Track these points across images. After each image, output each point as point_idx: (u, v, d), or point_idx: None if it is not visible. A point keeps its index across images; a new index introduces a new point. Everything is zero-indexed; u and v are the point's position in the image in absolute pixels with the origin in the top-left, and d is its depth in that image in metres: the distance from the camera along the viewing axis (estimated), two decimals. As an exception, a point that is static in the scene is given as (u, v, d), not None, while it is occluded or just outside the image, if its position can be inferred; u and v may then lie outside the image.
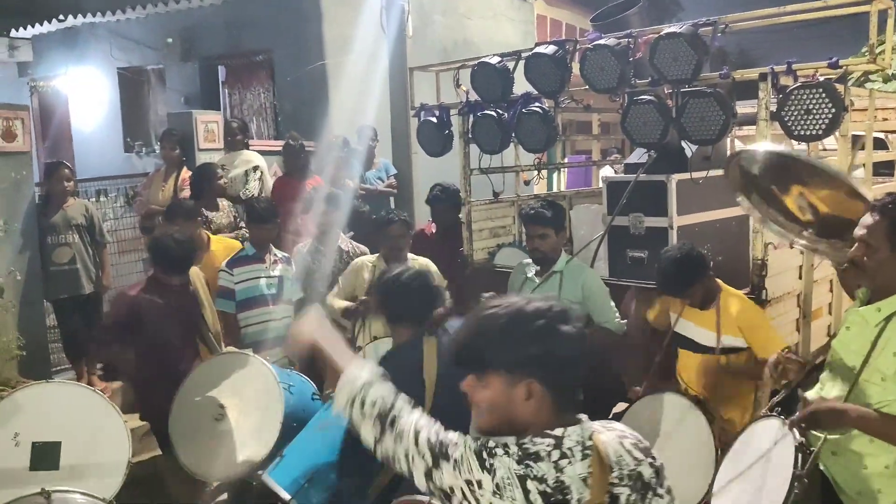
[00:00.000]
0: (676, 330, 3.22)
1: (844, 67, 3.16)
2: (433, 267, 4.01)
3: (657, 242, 3.90)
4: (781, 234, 2.88)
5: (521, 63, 4.14)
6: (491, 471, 1.37)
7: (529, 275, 3.69)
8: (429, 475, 1.46)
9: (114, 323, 3.68)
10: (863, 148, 4.25)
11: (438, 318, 3.10)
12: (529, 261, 3.76)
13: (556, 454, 1.39)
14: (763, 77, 3.30)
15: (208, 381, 3.45)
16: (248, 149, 6.05)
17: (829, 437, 2.20)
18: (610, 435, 1.47)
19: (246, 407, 3.30)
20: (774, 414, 2.39)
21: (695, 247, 3.20)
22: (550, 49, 3.93)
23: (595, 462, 1.39)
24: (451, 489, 1.42)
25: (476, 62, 4.29)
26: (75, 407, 3.09)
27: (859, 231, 2.16)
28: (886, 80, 7.34)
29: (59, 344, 5.35)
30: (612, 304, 3.52)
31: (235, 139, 5.98)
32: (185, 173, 5.69)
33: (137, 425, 4.66)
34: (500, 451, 1.39)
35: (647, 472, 1.45)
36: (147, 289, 3.70)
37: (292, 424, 3.14)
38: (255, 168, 5.85)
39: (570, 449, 1.40)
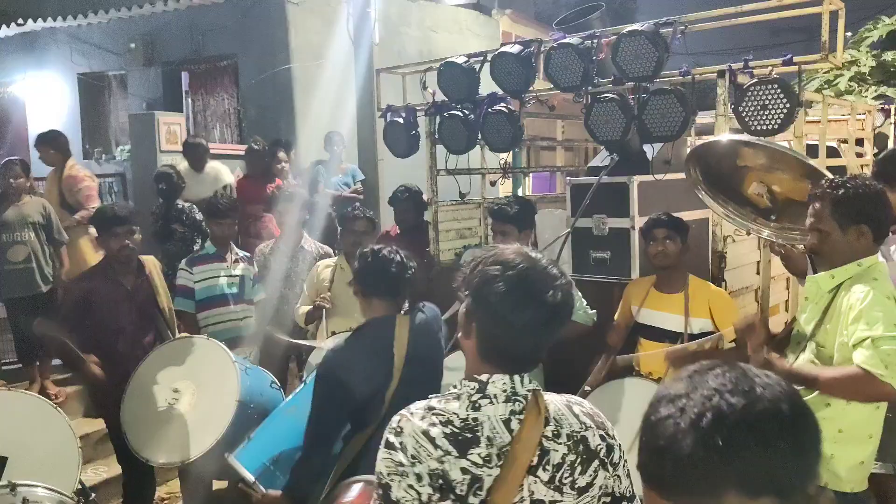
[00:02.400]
0: (639, 320, 3.24)
1: (799, 65, 3.26)
2: None
3: (620, 243, 3.97)
4: (738, 224, 2.96)
5: (487, 65, 4.19)
6: (403, 448, 1.36)
7: None
8: None
9: (65, 309, 3.57)
10: (817, 156, 4.39)
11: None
12: None
13: (476, 396, 1.37)
14: (721, 74, 3.39)
15: (162, 366, 3.40)
16: (210, 163, 5.98)
17: None
18: (558, 398, 1.45)
19: (201, 389, 3.27)
20: None
21: None
22: (516, 49, 3.99)
23: (530, 410, 1.36)
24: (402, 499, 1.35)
25: (442, 62, 4.32)
26: (22, 416, 3.00)
27: (808, 221, 2.27)
28: (846, 91, 7.65)
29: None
30: (580, 294, 3.54)
31: (202, 157, 5.91)
32: (70, 171, 5.55)
33: (95, 429, 4.57)
34: (403, 421, 1.39)
35: (595, 441, 1.40)
36: (99, 273, 3.63)
37: (249, 405, 3.11)
38: (225, 187, 5.81)
39: (494, 395, 1.37)
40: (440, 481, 1.32)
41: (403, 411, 1.42)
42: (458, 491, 1.31)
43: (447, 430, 1.34)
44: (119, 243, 3.50)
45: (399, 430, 1.38)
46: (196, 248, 4.99)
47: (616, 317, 3.50)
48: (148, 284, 3.71)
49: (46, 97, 9.51)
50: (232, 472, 2.81)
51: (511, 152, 6.10)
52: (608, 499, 1.42)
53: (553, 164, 6.68)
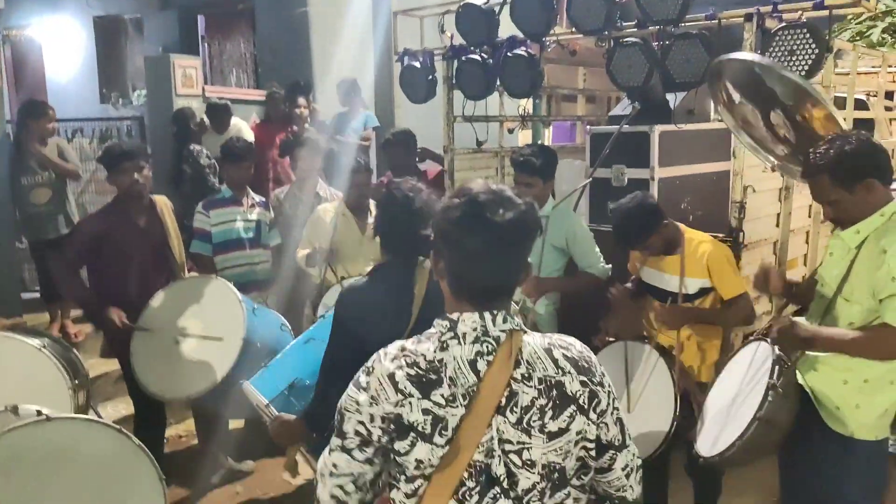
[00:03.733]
0: (643, 279, 3.21)
1: (830, 8, 3.13)
2: None
3: (639, 194, 3.92)
4: (755, 149, 2.89)
5: (507, 7, 4.08)
6: (367, 388, 1.38)
7: None
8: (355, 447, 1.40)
9: (78, 247, 3.61)
10: (844, 107, 4.28)
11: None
12: None
13: (448, 335, 1.38)
14: (749, 17, 3.28)
15: (171, 305, 3.45)
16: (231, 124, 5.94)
17: (809, 353, 2.25)
18: (539, 339, 1.42)
19: (208, 327, 3.31)
20: (762, 337, 2.44)
21: (646, 196, 3.09)
22: (537, -11, 3.87)
23: (501, 352, 1.35)
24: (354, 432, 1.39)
25: (461, 3, 4.21)
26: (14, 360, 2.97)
27: (816, 197, 2.28)
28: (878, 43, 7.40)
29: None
30: (597, 249, 3.51)
31: (223, 119, 5.87)
32: None
33: (112, 368, 4.67)
34: (376, 362, 1.41)
35: (573, 387, 1.38)
36: (111, 211, 3.65)
37: (256, 344, 3.15)
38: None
39: (464, 334, 1.37)
40: (393, 425, 1.35)
41: (381, 350, 1.44)
42: (420, 431, 1.34)
43: (412, 372, 1.36)
44: (129, 178, 3.52)
45: (370, 369, 1.41)
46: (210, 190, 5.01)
47: (630, 266, 3.47)
48: (160, 223, 3.73)
49: (63, 42, 9.47)
50: (246, 410, 2.86)
51: (532, 101, 6.02)
52: (590, 444, 1.41)
53: (573, 113, 6.55)
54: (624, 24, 3.75)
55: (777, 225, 3.84)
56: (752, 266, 3.52)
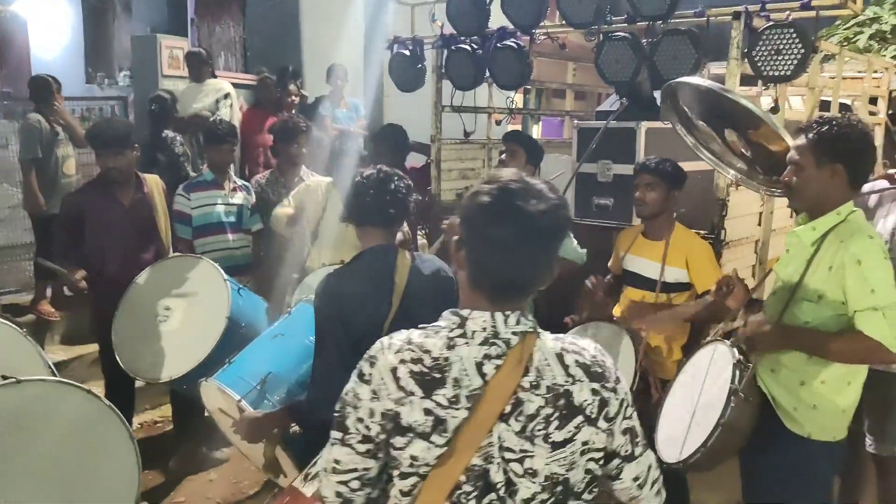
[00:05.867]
0: (624, 266, 3.21)
1: (816, 10, 3.15)
2: None
3: (623, 190, 3.92)
4: (715, 164, 2.91)
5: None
6: (369, 381, 1.33)
7: None
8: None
9: (61, 221, 3.57)
10: (829, 110, 4.31)
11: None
12: None
13: (456, 332, 1.32)
14: (737, 15, 3.29)
15: (155, 284, 3.41)
16: (214, 78, 5.90)
17: (766, 354, 2.25)
18: (552, 343, 1.36)
19: (192, 307, 3.27)
20: (719, 339, 2.44)
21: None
22: (528, -19, 3.87)
23: (511, 357, 1.29)
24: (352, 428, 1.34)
25: (453, -8, 4.20)
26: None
27: (790, 154, 2.23)
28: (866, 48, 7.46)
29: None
30: (571, 234, 3.52)
31: (202, 68, 5.81)
32: None
33: (88, 351, 4.62)
34: (379, 353, 1.35)
35: (582, 396, 1.31)
36: (95, 187, 3.61)
37: (240, 325, 3.11)
38: (226, 95, 5.72)
39: (473, 332, 1.31)
40: (391, 423, 1.30)
41: (385, 339, 1.38)
42: (419, 430, 1.29)
43: (415, 369, 1.30)
44: (115, 162, 3.49)
45: (373, 360, 1.35)
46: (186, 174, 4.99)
47: (609, 264, 3.49)
48: (147, 203, 3.69)
49: (50, 19, 9.32)
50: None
51: (522, 96, 6.01)
52: (598, 454, 1.35)
53: (563, 108, 6.55)
54: (614, 18, 3.75)
55: (759, 224, 3.87)
56: (733, 263, 3.54)
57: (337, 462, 1.36)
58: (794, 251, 2.27)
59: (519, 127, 7.62)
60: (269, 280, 4.21)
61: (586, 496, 1.36)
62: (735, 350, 2.29)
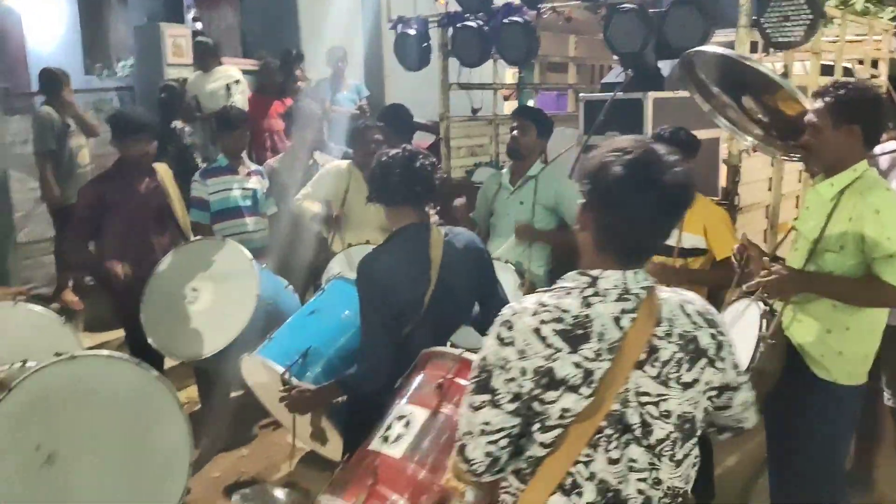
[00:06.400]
0: None
1: (824, -26, 3.20)
2: None
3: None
4: (732, 130, 2.98)
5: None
6: (512, 343, 1.41)
7: (504, 182, 3.74)
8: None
9: (80, 212, 3.62)
10: (832, 74, 4.36)
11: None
12: (503, 171, 3.82)
13: (589, 291, 1.41)
14: (745, -18, 3.34)
15: (180, 267, 3.46)
16: (221, 65, 5.92)
17: (794, 302, 2.36)
18: (672, 296, 1.48)
19: (220, 287, 3.34)
20: (744, 296, 2.54)
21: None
22: (534, -44, 3.90)
23: (643, 310, 1.40)
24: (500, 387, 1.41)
25: (457, -31, 4.23)
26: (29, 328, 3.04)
27: (808, 117, 2.34)
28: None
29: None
30: None
31: (209, 57, 5.83)
32: None
33: (113, 338, 4.69)
34: (515, 317, 1.43)
35: (706, 340, 1.45)
36: (111, 176, 3.66)
37: (268, 302, 3.18)
38: (237, 81, 5.75)
39: (606, 290, 1.41)
40: (545, 378, 1.38)
41: (515, 305, 1.46)
42: (569, 384, 1.38)
43: (558, 328, 1.39)
44: (142, 149, 3.58)
45: (510, 324, 1.43)
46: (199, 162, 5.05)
47: None
48: (161, 190, 3.74)
49: (45, 11, 9.26)
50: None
51: (522, 68, 6.03)
52: (714, 392, 1.48)
53: (562, 82, 6.59)
54: (620, -10, 3.78)
55: (769, 189, 3.94)
56: (745, 228, 3.61)
57: (486, 423, 1.43)
58: (814, 207, 2.38)
59: (516, 102, 7.66)
60: (285, 261, 4.30)
61: (699, 431, 1.49)
62: (760, 303, 2.40)
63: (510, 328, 1.42)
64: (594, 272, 1.43)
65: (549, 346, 1.38)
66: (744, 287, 2.59)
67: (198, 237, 3.83)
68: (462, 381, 1.91)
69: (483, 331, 2.53)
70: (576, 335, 1.39)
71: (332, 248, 3.98)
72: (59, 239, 5.03)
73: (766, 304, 2.41)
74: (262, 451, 4.02)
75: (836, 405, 2.37)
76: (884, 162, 3.06)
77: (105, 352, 2.57)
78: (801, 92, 3.52)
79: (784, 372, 2.34)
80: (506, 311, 1.46)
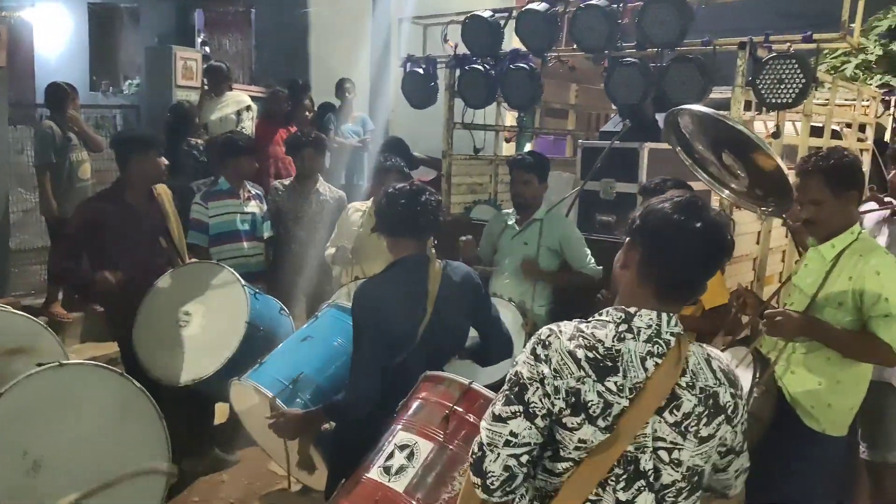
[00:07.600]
0: None
1: (817, 42, 3.36)
2: None
3: (626, 208, 4.10)
4: (711, 185, 3.08)
5: (512, 21, 4.26)
6: (547, 361, 1.44)
7: (510, 222, 3.83)
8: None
9: (74, 229, 3.61)
10: (821, 136, 4.53)
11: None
12: (509, 210, 3.91)
13: (623, 326, 1.46)
14: (742, 46, 3.49)
15: (173, 290, 3.47)
16: (231, 91, 6.04)
17: (786, 354, 2.47)
18: (699, 349, 1.51)
19: (211, 312, 3.33)
20: (737, 344, 2.63)
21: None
22: (542, 6, 4.06)
23: (671, 357, 1.43)
24: (538, 402, 1.44)
25: (467, 15, 4.38)
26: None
27: (801, 196, 2.47)
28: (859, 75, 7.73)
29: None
30: (588, 251, 3.68)
31: (222, 82, 5.95)
32: None
33: (102, 353, 4.69)
34: (552, 337, 1.47)
35: (725, 399, 1.47)
36: (111, 195, 3.68)
37: (259, 329, 3.17)
38: (248, 108, 5.85)
39: (638, 328, 1.45)
40: (574, 399, 1.42)
41: (553, 326, 1.50)
42: (590, 412, 1.41)
43: (591, 355, 1.43)
44: (155, 166, 3.62)
45: (547, 343, 1.47)
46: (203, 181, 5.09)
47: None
48: (159, 210, 3.78)
49: (56, 25, 9.40)
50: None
51: (523, 112, 6.19)
52: (723, 449, 1.54)
53: (560, 127, 6.77)
54: (623, 44, 3.94)
55: (757, 242, 4.05)
56: (734, 279, 3.72)
57: (514, 435, 1.44)
58: (813, 265, 2.51)
59: (513, 144, 7.83)
60: (281, 285, 4.34)
61: (704, 485, 1.53)
62: (754, 351, 2.50)
63: (546, 347, 1.46)
64: (631, 309, 1.48)
65: (581, 368, 1.43)
66: (731, 339, 2.69)
67: (193, 260, 3.86)
68: (471, 418, 1.90)
69: (484, 364, 2.62)
70: (605, 366, 1.43)
71: (341, 281, 4.01)
72: (52, 251, 5.04)
73: (759, 353, 2.50)
74: (243, 477, 4.00)
75: (821, 453, 2.46)
76: (869, 221, 3.19)
77: (92, 362, 2.66)
78: (792, 151, 3.67)
79: (775, 419, 2.42)
80: (543, 331, 1.50)
